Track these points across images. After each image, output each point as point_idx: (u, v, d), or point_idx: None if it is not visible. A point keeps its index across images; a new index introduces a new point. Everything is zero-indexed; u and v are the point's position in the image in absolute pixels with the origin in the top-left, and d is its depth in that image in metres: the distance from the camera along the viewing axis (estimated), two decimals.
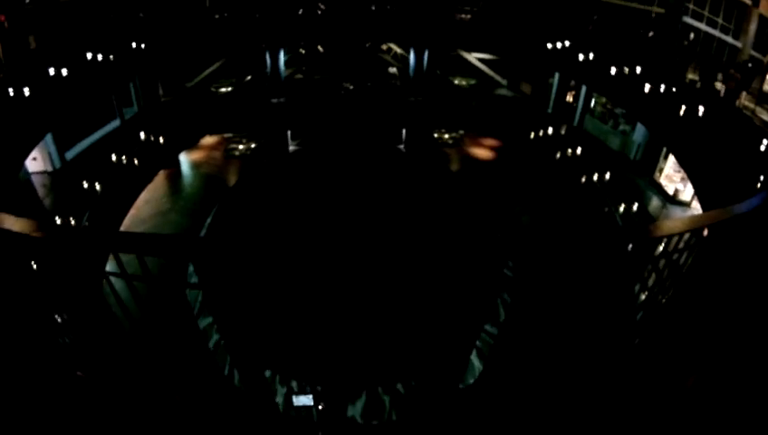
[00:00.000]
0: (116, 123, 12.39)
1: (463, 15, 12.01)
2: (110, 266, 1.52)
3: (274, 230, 9.08)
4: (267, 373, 6.20)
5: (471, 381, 6.12)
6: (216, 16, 13.38)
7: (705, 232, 2.43)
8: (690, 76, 11.44)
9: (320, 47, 14.17)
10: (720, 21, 12.48)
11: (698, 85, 10.55)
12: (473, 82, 13.53)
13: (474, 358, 6.40)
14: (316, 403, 4.75)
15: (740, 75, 10.64)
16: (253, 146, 12.98)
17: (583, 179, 10.60)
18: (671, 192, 10.02)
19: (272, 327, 6.39)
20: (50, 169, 10.61)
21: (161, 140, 11.91)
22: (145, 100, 13.08)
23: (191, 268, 9.11)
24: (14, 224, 1.20)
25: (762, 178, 6.11)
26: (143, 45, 11.49)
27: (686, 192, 9.82)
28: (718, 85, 10.53)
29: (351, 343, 6.02)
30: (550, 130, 12.20)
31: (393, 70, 12.86)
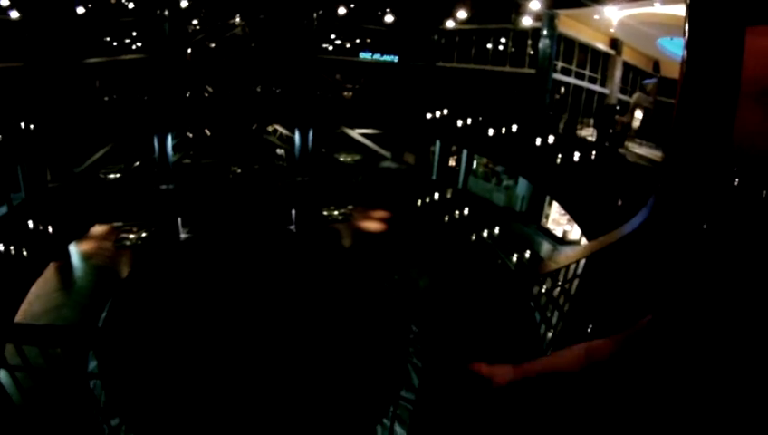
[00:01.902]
0: (3, 210, 16.31)
1: (345, 93, 16.71)
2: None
3: (171, 320, 12.87)
4: None
5: None
6: (106, 98, 17.95)
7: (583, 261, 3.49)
8: (562, 127, 16.55)
9: (207, 130, 18.77)
10: (587, 72, 17.74)
11: (562, 132, 15.44)
12: (358, 157, 17.89)
13: (396, 426, 9.59)
14: None
15: (625, 120, 15.70)
16: (143, 235, 17.05)
17: (474, 237, 14.78)
18: (560, 234, 13.95)
19: (181, 417, 8.16)
20: None
21: (50, 229, 15.90)
22: (32, 185, 16.91)
23: (92, 364, 12.82)
24: None
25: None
26: (32, 126, 15.37)
27: (574, 232, 13.53)
28: (588, 130, 15.56)
29: (266, 424, 7.73)
30: (436, 196, 16.65)
31: (281, 151, 17.22)
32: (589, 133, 14.10)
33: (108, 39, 17.82)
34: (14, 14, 14.26)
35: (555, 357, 1.24)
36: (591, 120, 15.27)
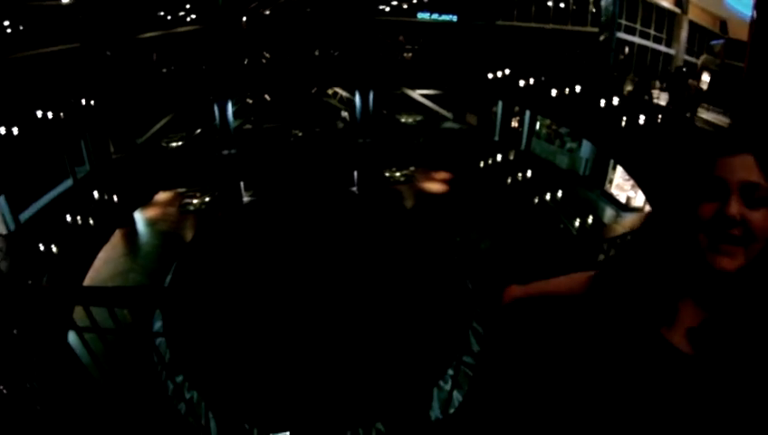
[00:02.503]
0: (69, 183, 17.86)
1: (404, 54, 18.12)
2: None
3: (235, 282, 12.38)
4: (247, 427, 8.45)
5: (451, 411, 7.90)
6: (164, 70, 19.88)
7: None
8: (629, 88, 17.58)
9: (267, 96, 20.54)
10: (652, 32, 18.69)
11: (630, 95, 16.50)
12: (419, 118, 19.27)
13: (450, 388, 7.77)
14: None
15: (697, 84, 16.67)
16: (207, 200, 18.67)
17: (536, 200, 15.33)
18: (623, 200, 14.35)
19: (245, 377, 8.77)
20: (4, 231, 14.79)
21: (115, 198, 17.93)
22: (96, 158, 18.97)
23: (157, 325, 14.61)
24: None
25: None
26: (93, 102, 17.73)
27: (638, 198, 13.89)
28: (656, 93, 16.57)
29: (325, 385, 8.44)
30: (499, 157, 17.86)
31: (345, 114, 18.73)
32: (655, 96, 15.22)
33: (162, 13, 19.82)
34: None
35: (560, 280, 1.35)
36: (657, 82, 16.31)
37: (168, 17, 19.70)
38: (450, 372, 8.76)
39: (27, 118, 13.29)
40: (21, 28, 15.83)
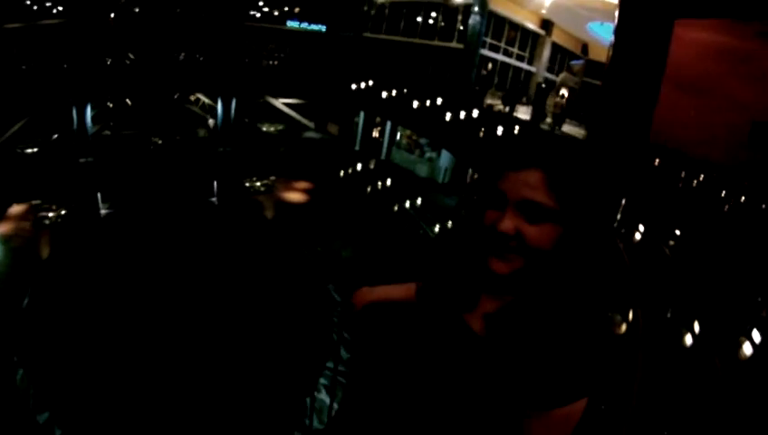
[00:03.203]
0: None
1: (269, 62, 19.94)
2: None
3: (95, 301, 12.60)
4: None
5: (326, 420, 8.31)
6: (23, 67, 20.92)
7: None
8: (488, 101, 20.12)
9: (128, 100, 21.89)
10: (516, 50, 21.39)
11: (498, 109, 18.97)
12: (281, 127, 20.96)
13: (323, 396, 8.97)
14: None
15: (563, 102, 19.20)
16: (63, 212, 20.20)
17: (396, 208, 17.00)
18: None
19: (112, 403, 9.17)
20: None
21: None
22: None
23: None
24: None
25: None
26: None
27: None
28: (521, 108, 19.14)
29: (197, 404, 8.78)
30: (359, 166, 20.24)
31: (211, 122, 20.28)
32: (520, 110, 17.28)
33: (28, 2, 20.81)
34: None
35: (401, 286, 1.50)
36: (524, 99, 18.94)
37: (35, 7, 20.76)
38: (323, 381, 9.45)
39: None
40: None
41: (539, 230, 0.89)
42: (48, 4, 20.95)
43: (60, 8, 20.81)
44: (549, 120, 16.13)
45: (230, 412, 9.01)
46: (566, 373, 0.87)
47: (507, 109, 17.32)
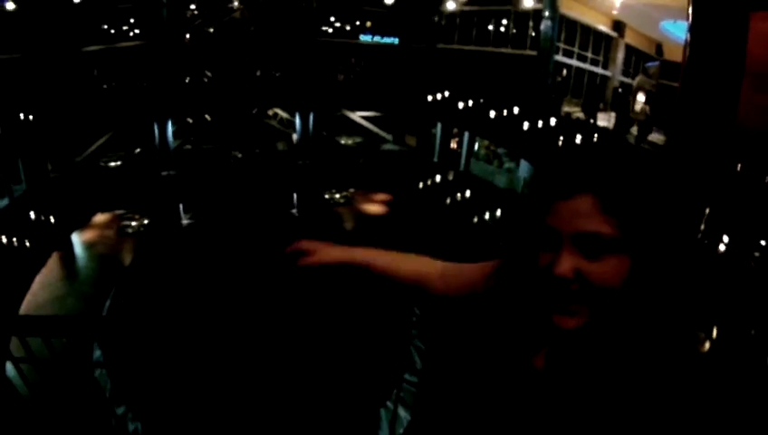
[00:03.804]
0: (5, 202, 18.20)
1: (345, 76, 21.91)
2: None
3: (176, 306, 13.38)
4: None
5: (400, 431, 8.31)
6: (105, 86, 21.79)
7: None
8: (566, 109, 21.60)
9: (207, 116, 24.03)
10: (590, 54, 22.92)
11: (576, 117, 20.20)
12: (359, 140, 22.05)
13: (399, 409, 11.98)
14: None
15: (647, 109, 19.66)
16: (145, 222, 21.58)
17: (475, 219, 17.76)
18: None
19: (188, 406, 10.07)
20: None
21: (52, 219, 21.04)
22: (33, 176, 20.06)
23: (97, 354, 17.15)
24: None
25: None
26: (31, 117, 17.41)
27: None
28: (601, 116, 20.48)
29: (269, 411, 9.84)
30: (438, 178, 21.10)
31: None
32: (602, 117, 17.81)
33: (105, 27, 23.05)
34: (10, 5, 17.85)
35: (413, 260, 1.45)
36: (601, 105, 19.60)
37: (112, 31, 22.74)
38: (395, 391, 10.96)
39: None
40: None
41: (602, 266, 0.79)
42: (125, 28, 23.41)
43: (137, 31, 23.23)
44: (634, 128, 16.51)
45: (304, 418, 9.78)
46: (648, 415, 0.78)
47: (586, 116, 18.19)
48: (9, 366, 2.40)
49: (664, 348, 0.83)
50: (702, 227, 11.30)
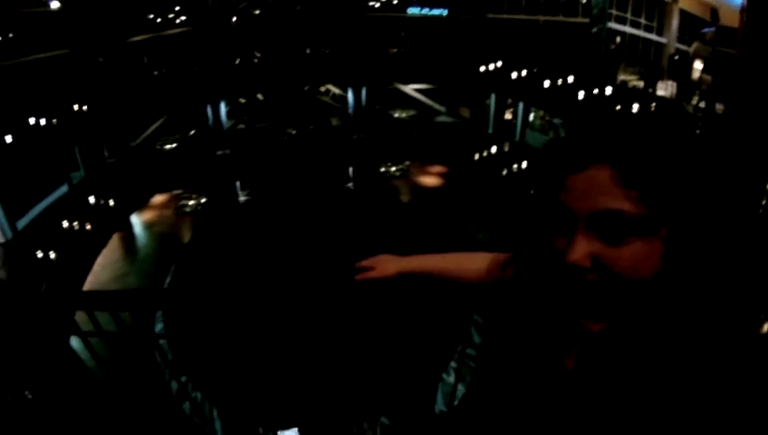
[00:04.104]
0: (64, 189, 18.69)
1: (395, 50, 22.71)
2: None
3: (235, 282, 13.69)
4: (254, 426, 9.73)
5: (455, 404, 8.62)
6: (156, 73, 22.55)
7: None
8: (621, 77, 22.14)
9: (259, 95, 24.88)
10: (643, 21, 23.39)
11: (633, 85, 20.24)
12: (412, 112, 22.28)
13: (451, 380, 9.66)
14: None
15: (709, 78, 18.36)
16: (203, 200, 21.68)
17: (532, 191, 21.13)
18: None
19: (249, 376, 10.14)
20: (1, 240, 16.37)
21: (111, 202, 21.34)
22: (91, 163, 20.32)
23: (159, 327, 18.21)
24: None
25: None
26: (85, 107, 18.27)
27: None
28: (660, 85, 21.04)
29: (329, 380, 9.80)
30: (493, 149, 21.83)
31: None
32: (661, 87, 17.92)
33: (151, 16, 23.80)
34: (55, 5, 18.90)
35: (459, 259, 1.42)
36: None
37: (158, 20, 23.06)
38: (453, 364, 9.83)
39: (20, 125, 15.71)
40: (11, 36, 19.11)
41: (626, 252, 0.69)
42: (171, 16, 24.59)
43: (183, 18, 24.39)
44: (695, 98, 16.62)
45: (358, 389, 9.88)
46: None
47: (646, 85, 18.29)
48: (76, 341, 2.49)
49: (712, 347, 0.71)
50: (764, 202, 11.15)
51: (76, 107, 18.57)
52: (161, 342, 13.72)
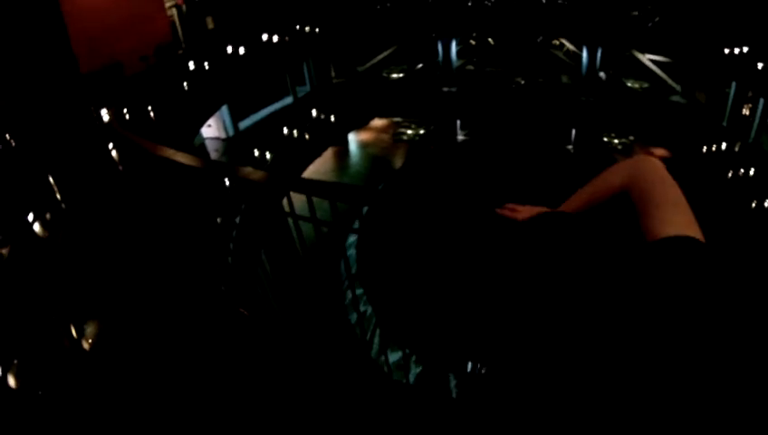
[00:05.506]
0: (289, 100, 20.99)
1: (638, 13, 21.83)
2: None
3: (433, 214, 19.77)
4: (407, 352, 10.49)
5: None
6: (388, 4, 22.32)
7: None
8: None
9: (490, 39, 25.56)
10: None
11: None
12: (646, 85, 22.02)
13: None
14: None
15: None
16: (421, 132, 22.67)
17: (754, 204, 15.65)
18: None
19: (418, 305, 10.53)
20: (223, 136, 18.55)
21: (332, 118, 21.22)
22: (318, 80, 22.01)
23: (350, 240, 16.17)
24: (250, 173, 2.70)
25: None
26: (317, 30, 20.11)
27: None
28: None
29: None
30: (723, 146, 19.90)
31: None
32: None
33: None
34: None
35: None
36: None
37: None
38: None
39: (253, 39, 17.37)
40: None
41: None
42: None
43: None
44: None
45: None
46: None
47: None
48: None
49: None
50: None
51: (308, 29, 20.27)
52: (349, 253, 15.55)
